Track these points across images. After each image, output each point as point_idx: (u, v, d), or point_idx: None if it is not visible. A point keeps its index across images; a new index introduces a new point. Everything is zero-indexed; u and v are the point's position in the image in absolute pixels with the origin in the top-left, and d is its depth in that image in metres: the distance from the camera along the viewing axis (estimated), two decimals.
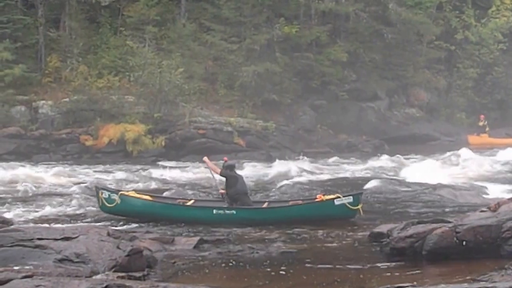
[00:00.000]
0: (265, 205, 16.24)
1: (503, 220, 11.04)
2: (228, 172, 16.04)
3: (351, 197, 15.56)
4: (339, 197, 15.55)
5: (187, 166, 26.45)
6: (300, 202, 16.47)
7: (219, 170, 16.24)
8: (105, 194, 15.97)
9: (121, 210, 15.92)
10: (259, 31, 34.28)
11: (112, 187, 18.58)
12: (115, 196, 15.88)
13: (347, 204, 15.37)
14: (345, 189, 19.34)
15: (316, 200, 15.90)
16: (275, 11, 35.57)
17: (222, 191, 16.13)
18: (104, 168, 26.52)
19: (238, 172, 16.97)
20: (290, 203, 16.43)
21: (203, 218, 15.43)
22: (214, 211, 15.53)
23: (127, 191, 17.15)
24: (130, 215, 15.91)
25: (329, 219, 15.19)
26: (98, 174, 24.74)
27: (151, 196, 16.74)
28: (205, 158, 16.85)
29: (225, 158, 17.46)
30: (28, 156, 29.27)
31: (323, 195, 16.07)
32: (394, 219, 14.94)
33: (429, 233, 11.21)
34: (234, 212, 15.51)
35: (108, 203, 15.85)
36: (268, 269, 10.98)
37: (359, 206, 15.48)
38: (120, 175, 24.09)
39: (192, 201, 16.72)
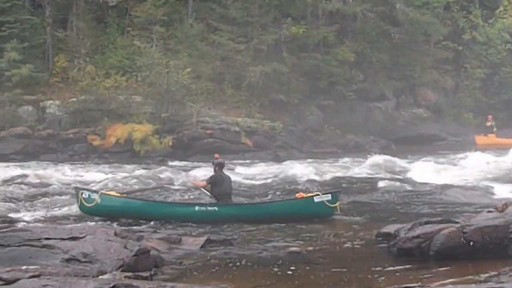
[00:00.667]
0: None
1: (510, 220, 11.01)
2: (216, 171, 16.18)
3: (329, 195, 15.80)
4: (318, 195, 15.76)
5: (195, 167, 26.42)
6: (281, 199, 16.75)
7: (205, 183, 16.33)
8: (85, 194, 15.86)
9: (101, 210, 15.72)
10: (266, 31, 34.27)
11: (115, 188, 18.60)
12: (95, 196, 15.77)
13: (326, 202, 15.54)
14: (348, 189, 19.33)
15: (297, 197, 16.08)
16: (282, 11, 35.54)
17: None
18: (112, 167, 26.53)
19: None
20: (272, 200, 16.73)
21: (185, 215, 15.41)
22: (196, 208, 15.57)
23: (108, 190, 17.18)
24: (110, 214, 15.68)
25: (309, 216, 15.38)
26: (105, 173, 24.74)
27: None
28: (191, 181, 17.64)
29: (217, 155, 17.57)
30: (35, 156, 29.32)
31: (304, 192, 16.41)
32: (401, 219, 14.93)
33: (436, 234, 11.20)
34: (216, 208, 15.57)
35: (87, 203, 15.72)
36: (276, 269, 10.97)
37: (337, 204, 15.68)
38: (126, 174, 24.11)
39: None
